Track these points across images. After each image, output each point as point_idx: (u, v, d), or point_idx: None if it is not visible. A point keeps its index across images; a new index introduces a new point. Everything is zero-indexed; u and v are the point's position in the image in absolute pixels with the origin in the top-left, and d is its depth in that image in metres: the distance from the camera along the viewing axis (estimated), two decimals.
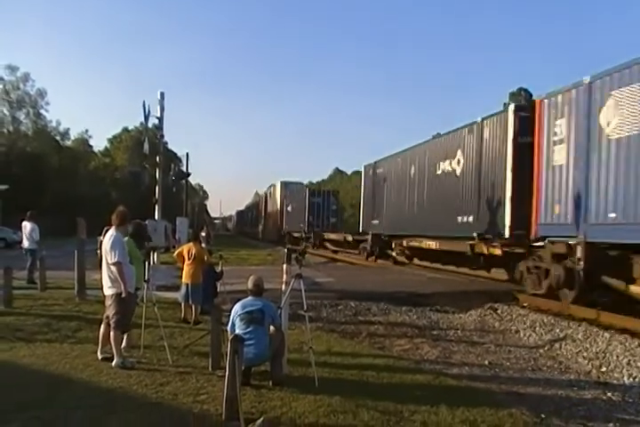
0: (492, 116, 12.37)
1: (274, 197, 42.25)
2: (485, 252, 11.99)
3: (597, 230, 8.57)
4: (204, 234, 9.08)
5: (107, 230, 5.75)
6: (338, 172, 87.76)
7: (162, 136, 19.10)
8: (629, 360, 6.23)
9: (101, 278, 5.61)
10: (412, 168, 16.76)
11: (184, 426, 3.87)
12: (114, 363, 5.35)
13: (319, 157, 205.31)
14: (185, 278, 8.12)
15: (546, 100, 10.15)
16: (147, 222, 10.06)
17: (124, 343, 5.67)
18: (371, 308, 9.71)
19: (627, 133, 8.03)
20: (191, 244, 8.44)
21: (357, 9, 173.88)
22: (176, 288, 9.41)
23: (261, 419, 3.80)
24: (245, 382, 4.57)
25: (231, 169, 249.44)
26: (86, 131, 61.99)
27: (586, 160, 8.90)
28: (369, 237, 20.36)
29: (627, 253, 8.14)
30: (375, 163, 20.75)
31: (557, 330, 7.89)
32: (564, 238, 9.22)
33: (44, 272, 10.92)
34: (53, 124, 52.24)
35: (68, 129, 54.65)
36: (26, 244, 12.07)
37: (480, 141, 12.56)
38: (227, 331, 5.11)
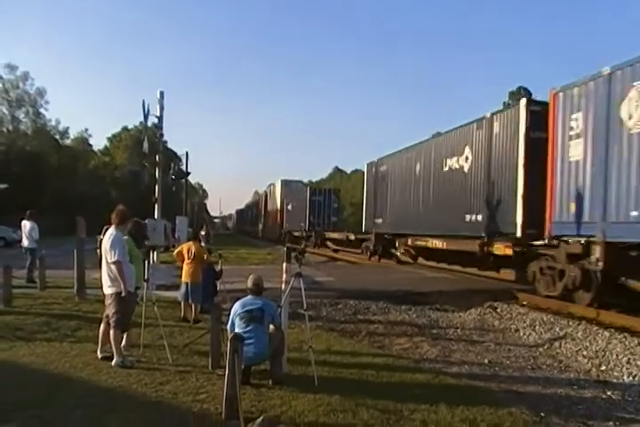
0: (502, 110, 12.02)
1: (274, 196, 42.12)
2: (495, 251, 11.61)
3: (617, 229, 8.20)
4: (203, 233, 9.08)
5: (106, 229, 5.75)
6: (337, 171, 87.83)
7: (161, 135, 19.06)
8: (629, 359, 6.23)
9: (101, 277, 5.61)
10: (418, 165, 16.28)
11: (184, 425, 3.87)
12: (113, 362, 5.35)
13: (319, 156, 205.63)
14: (184, 277, 8.13)
15: (561, 93, 9.69)
16: (146, 221, 10.06)
17: (123, 342, 5.67)
18: (370, 307, 9.70)
19: None
20: (191, 243, 8.45)
21: (357, 9, 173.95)
22: (176, 287, 9.42)
23: (261, 418, 3.80)
24: (245, 380, 4.57)
25: (231, 168, 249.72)
26: (86, 130, 61.95)
27: (605, 155, 8.50)
28: (372, 236, 20.00)
29: None
30: (378, 160, 20.31)
31: (557, 329, 7.88)
32: (581, 238, 8.87)
33: (43, 271, 10.93)
34: (53, 123, 52.38)
35: (68, 128, 54.80)
36: (25, 243, 12.07)
37: (490, 137, 12.16)
38: (226, 330, 5.10)
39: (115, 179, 57.15)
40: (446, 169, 14.37)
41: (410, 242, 16.68)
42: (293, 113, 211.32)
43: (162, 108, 18.41)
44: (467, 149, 13.24)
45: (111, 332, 5.44)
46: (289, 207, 35.25)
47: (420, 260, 17.52)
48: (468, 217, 12.90)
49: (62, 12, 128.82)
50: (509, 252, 11.05)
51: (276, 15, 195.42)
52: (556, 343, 7.27)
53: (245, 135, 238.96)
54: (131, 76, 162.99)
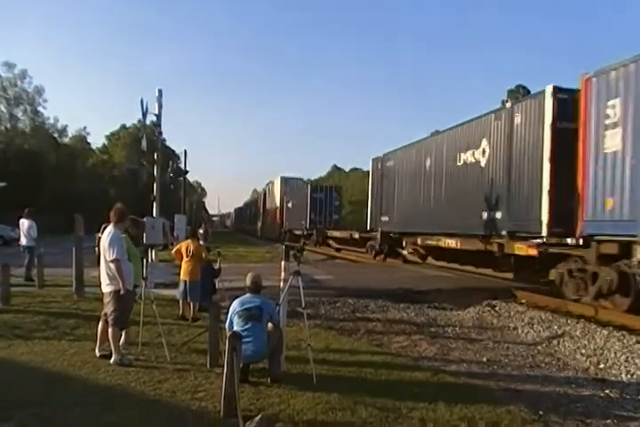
0: (524, 99, 11.26)
1: (273, 194, 41.55)
2: (517, 252, 10.80)
3: None
4: (202, 231, 9.09)
5: (105, 227, 5.74)
6: (336, 169, 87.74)
7: (160, 133, 19.04)
8: (627, 357, 6.24)
9: (99, 276, 5.61)
10: (428, 160, 15.42)
11: (182, 423, 3.87)
12: (112, 360, 5.34)
13: (317, 154, 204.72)
14: (183, 275, 8.12)
15: (594, 78, 8.79)
16: (144, 220, 10.04)
17: (122, 340, 5.67)
18: (369, 305, 9.70)
19: None
20: (189, 241, 8.44)
21: (357, 9, 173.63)
22: (174, 285, 9.41)
23: (259, 416, 3.80)
24: (243, 379, 4.57)
25: (230, 168, 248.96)
26: (84, 128, 62.01)
27: None
28: (377, 235, 19.22)
29: None
30: (384, 155, 19.37)
31: (555, 327, 7.89)
32: (619, 237, 8.18)
33: (41, 269, 10.91)
34: (51, 121, 52.23)
35: (66, 126, 54.64)
36: (23, 241, 12.03)
37: (510, 129, 11.29)
38: (225, 328, 5.10)
39: (113, 177, 57.15)
40: (460, 163, 13.56)
41: (419, 241, 15.91)
42: (293, 113, 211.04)
43: (160, 107, 18.36)
44: (484, 142, 12.44)
45: (110, 330, 5.44)
46: (289, 205, 34.60)
47: (430, 260, 16.76)
48: (485, 214, 12.14)
49: (62, 9, 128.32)
50: (533, 252, 10.21)
51: (276, 15, 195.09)
52: (555, 341, 7.27)
53: (245, 135, 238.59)
54: (130, 74, 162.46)
